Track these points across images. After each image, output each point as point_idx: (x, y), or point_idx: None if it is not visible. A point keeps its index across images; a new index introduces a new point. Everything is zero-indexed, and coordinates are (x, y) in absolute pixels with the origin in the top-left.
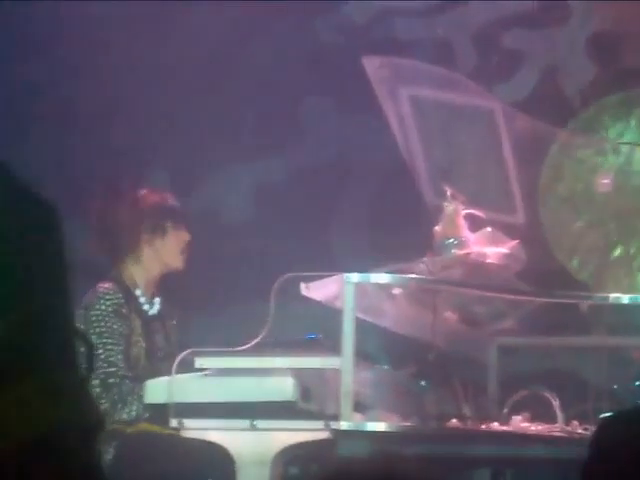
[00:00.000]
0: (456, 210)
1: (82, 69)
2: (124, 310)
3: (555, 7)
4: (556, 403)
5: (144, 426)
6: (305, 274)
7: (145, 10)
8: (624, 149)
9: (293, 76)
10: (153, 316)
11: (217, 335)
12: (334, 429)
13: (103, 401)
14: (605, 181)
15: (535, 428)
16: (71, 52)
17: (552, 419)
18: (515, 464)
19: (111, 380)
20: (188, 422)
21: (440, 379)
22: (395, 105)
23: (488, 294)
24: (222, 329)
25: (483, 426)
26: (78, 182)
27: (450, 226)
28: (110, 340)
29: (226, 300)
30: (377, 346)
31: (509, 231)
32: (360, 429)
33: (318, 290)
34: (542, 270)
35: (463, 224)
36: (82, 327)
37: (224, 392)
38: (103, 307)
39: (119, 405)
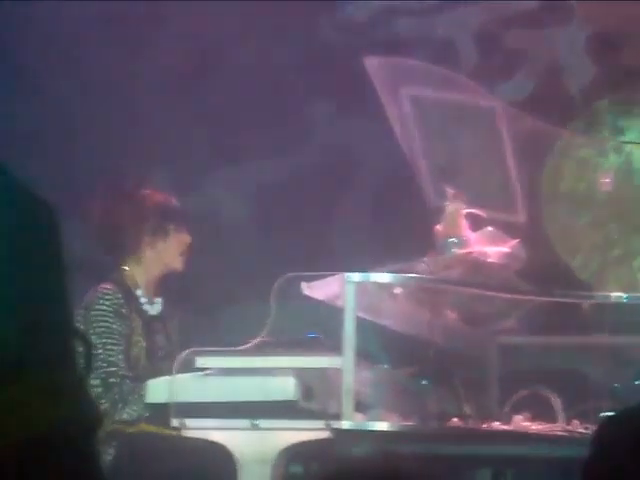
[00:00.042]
0: (457, 209)
1: (83, 69)
2: (124, 310)
3: (556, 7)
4: (557, 402)
5: (145, 426)
6: (306, 274)
7: (146, 10)
8: (625, 148)
9: (294, 76)
10: (154, 316)
11: (217, 335)
12: (335, 428)
13: (104, 401)
14: (606, 180)
15: (536, 427)
16: (71, 52)
17: (553, 418)
18: (516, 463)
19: (112, 380)
20: (189, 422)
21: (441, 378)
22: (396, 105)
23: (489, 293)
24: (222, 329)
25: (484, 425)
26: (78, 182)
27: (451, 225)
28: (110, 340)
29: (226, 300)
30: (378, 345)
31: (510, 230)
32: (361, 428)
33: (319, 289)
34: (543, 269)
35: (464, 223)
36: (82, 327)
37: (225, 392)
38: (103, 307)
39: (120, 405)
